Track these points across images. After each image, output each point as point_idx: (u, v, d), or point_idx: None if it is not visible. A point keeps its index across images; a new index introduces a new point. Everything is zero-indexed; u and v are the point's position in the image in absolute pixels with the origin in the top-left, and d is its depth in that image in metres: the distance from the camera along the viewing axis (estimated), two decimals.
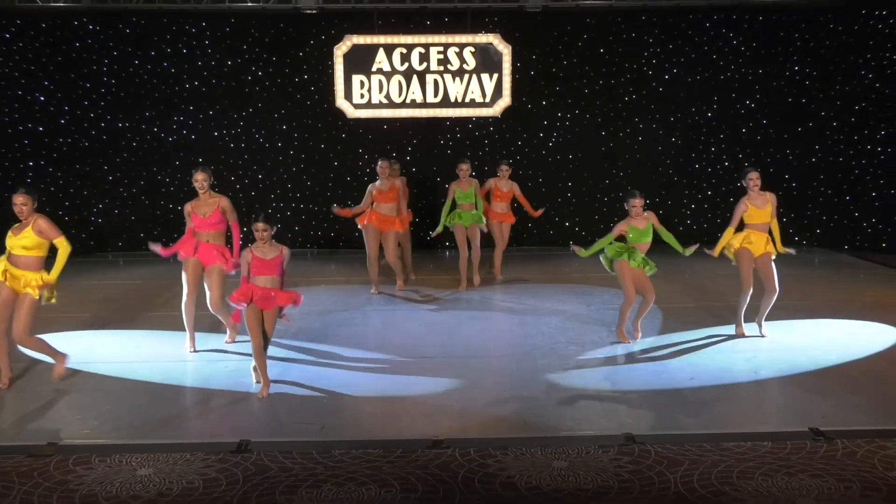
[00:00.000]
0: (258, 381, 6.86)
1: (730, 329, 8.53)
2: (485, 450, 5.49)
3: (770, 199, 8.27)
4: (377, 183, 10.38)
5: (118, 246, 14.13)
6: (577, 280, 11.50)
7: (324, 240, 14.19)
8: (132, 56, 13.71)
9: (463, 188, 10.68)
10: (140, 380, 7.22)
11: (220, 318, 8.16)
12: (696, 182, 14.37)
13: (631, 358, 7.82)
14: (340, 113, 13.66)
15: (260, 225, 6.74)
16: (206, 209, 7.90)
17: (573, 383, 7.04)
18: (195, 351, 7.98)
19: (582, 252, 8.27)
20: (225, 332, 8.33)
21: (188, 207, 7.99)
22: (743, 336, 8.33)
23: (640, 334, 8.35)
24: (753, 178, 8.21)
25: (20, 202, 6.67)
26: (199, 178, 7.91)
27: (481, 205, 10.78)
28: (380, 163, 10.43)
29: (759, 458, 5.32)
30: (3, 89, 13.09)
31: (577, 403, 6.56)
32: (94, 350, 8.12)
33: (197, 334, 8.09)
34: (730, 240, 8.20)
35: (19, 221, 6.74)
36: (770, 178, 14.07)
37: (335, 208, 10.60)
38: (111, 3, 12.81)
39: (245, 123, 13.99)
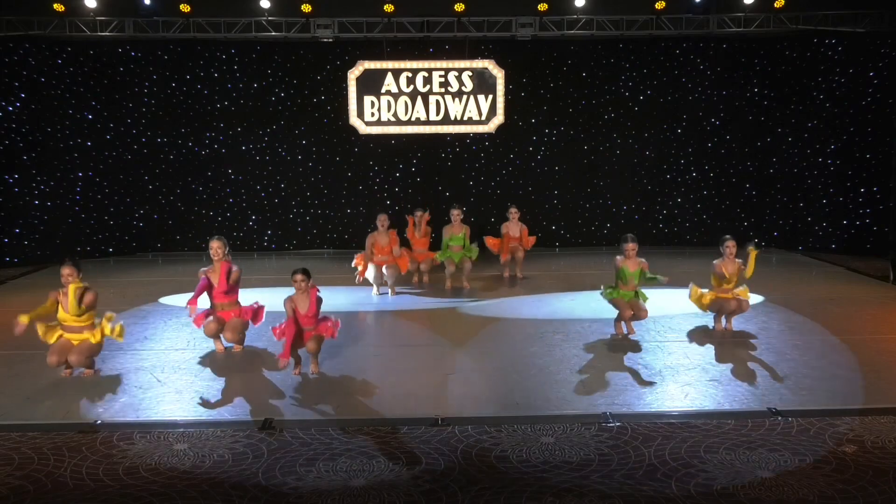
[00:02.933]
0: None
1: (698, 322, 8.52)
2: (481, 427, 5.49)
3: (739, 266, 8.12)
4: (377, 234, 10.17)
5: (157, 247, 14.12)
6: (563, 278, 11.48)
7: (339, 241, 14.18)
8: (169, 79, 13.71)
9: (454, 232, 10.61)
10: (176, 364, 7.21)
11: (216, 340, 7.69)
12: (668, 190, 14.35)
13: (610, 345, 7.81)
14: (353, 129, 13.66)
15: (298, 276, 6.69)
16: (219, 278, 7.43)
17: (559, 368, 7.02)
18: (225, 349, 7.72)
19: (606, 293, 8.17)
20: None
21: (202, 274, 7.49)
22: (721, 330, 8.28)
23: (633, 331, 8.19)
24: (730, 246, 8.10)
25: (66, 273, 6.60)
26: (214, 246, 7.42)
27: (468, 245, 10.66)
28: (380, 217, 10.24)
29: (723, 435, 5.31)
30: (55, 109, 13.07)
31: (562, 386, 6.55)
32: (135, 338, 8.10)
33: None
34: (700, 296, 8.22)
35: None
36: (733, 187, 14.20)
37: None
38: (151, 32, 12.79)
39: (269, 139, 13.98)
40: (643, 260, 8.05)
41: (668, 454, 4.99)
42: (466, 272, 10.70)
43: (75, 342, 6.74)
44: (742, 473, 4.72)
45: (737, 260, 8.15)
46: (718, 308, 8.21)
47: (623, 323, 8.13)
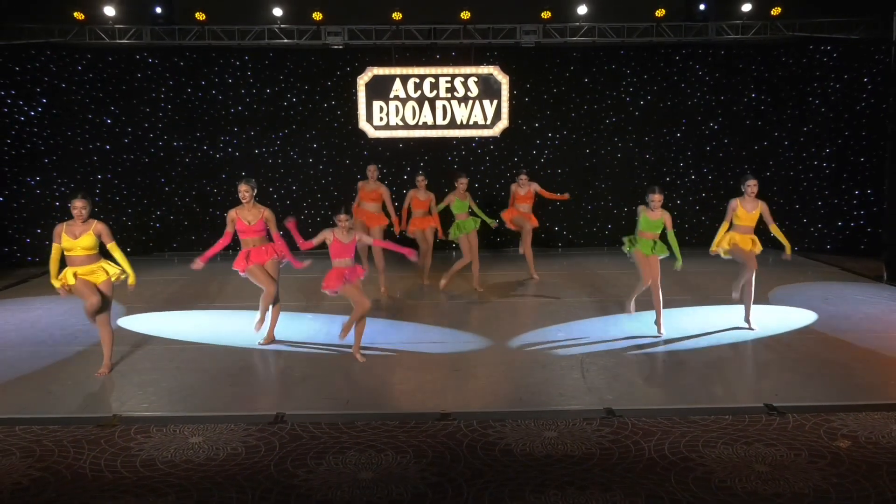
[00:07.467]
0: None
1: (697, 320, 8.49)
2: (486, 421, 5.48)
3: (761, 206, 7.98)
4: (366, 182, 10.09)
5: (173, 247, 14.15)
6: (565, 276, 11.46)
7: None
8: (185, 85, 13.74)
9: (461, 199, 10.11)
10: (191, 360, 7.23)
11: (265, 313, 7.76)
12: (667, 193, 14.14)
13: (612, 342, 7.77)
14: (362, 133, 13.68)
15: (342, 216, 7.11)
16: (251, 217, 7.56)
17: (561, 364, 7.01)
18: (259, 334, 7.74)
19: (627, 245, 7.98)
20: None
21: (233, 213, 7.57)
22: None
23: (662, 331, 7.95)
24: (751, 185, 7.91)
25: (80, 206, 6.52)
26: (243, 189, 7.56)
27: (478, 210, 10.26)
28: (370, 167, 10.23)
29: (721, 430, 5.29)
30: (75, 113, 13.12)
31: (564, 382, 6.54)
32: (151, 335, 8.13)
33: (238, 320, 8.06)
34: (720, 240, 8.02)
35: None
36: (731, 189, 14.12)
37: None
38: (168, 39, 12.82)
39: (281, 142, 13.99)
40: (667, 213, 7.84)
41: (668, 448, 4.98)
42: (476, 274, 10.28)
43: (91, 278, 6.57)
44: (739, 467, 4.70)
45: (758, 200, 7.94)
46: (734, 254, 8.00)
47: (634, 302, 8.03)
